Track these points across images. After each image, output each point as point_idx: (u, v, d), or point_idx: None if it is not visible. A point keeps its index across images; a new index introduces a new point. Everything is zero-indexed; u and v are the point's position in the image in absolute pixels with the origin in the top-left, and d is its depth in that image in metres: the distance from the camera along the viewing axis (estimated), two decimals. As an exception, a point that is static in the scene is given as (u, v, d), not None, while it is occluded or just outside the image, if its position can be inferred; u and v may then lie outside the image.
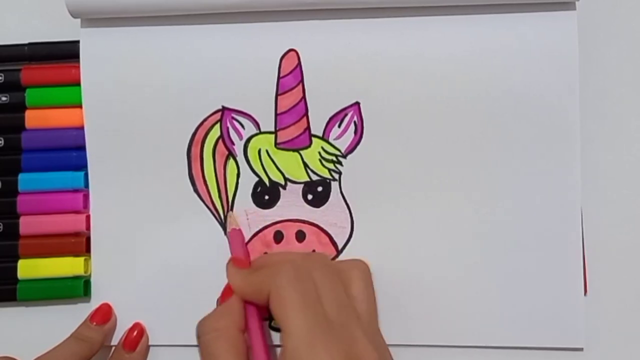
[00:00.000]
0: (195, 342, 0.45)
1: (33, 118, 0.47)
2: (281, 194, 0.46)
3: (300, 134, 0.46)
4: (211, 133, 0.46)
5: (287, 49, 0.46)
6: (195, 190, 0.46)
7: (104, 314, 0.46)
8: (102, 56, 0.46)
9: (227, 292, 0.42)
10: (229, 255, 0.45)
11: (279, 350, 0.41)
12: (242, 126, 0.46)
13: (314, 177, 0.46)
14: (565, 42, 0.45)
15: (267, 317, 0.43)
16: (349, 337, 0.38)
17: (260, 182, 0.46)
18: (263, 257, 0.46)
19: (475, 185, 0.45)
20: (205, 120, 0.46)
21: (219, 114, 0.46)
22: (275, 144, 0.46)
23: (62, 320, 0.46)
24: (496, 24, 0.45)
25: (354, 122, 0.46)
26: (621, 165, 0.47)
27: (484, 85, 0.45)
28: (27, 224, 0.47)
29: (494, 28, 0.45)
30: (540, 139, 0.45)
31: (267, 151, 0.46)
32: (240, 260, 0.44)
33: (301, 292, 0.38)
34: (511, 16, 0.45)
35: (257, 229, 0.46)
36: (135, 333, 0.46)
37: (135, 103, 0.46)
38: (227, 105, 0.46)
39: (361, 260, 0.44)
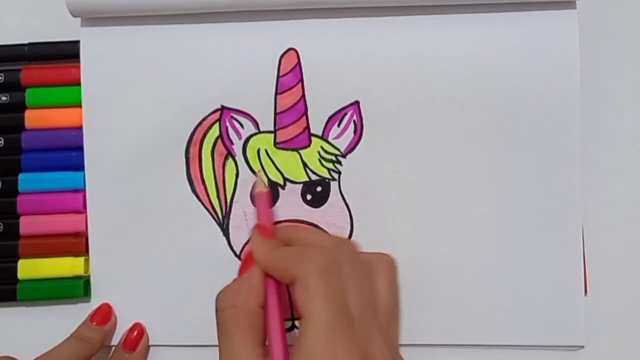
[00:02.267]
0: (195, 342, 0.46)
1: (33, 118, 0.47)
2: (280, 194, 0.46)
3: (300, 134, 0.46)
4: (210, 133, 0.46)
5: (286, 48, 0.46)
6: (194, 191, 0.46)
7: (104, 314, 0.46)
8: (101, 55, 0.46)
9: (248, 261, 0.41)
10: (228, 256, 0.45)
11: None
12: (242, 125, 0.46)
13: (313, 177, 0.46)
14: (565, 41, 0.45)
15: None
16: (367, 335, 0.38)
17: (261, 183, 0.46)
18: (289, 228, 0.45)
19: (475, 185, 0.45)
20: (204, 119, 0.46)
21: (218, 113, 0.46)
22: (275, 143, 0.46)
23: (62, 320, 0.46)
24: (496, 23, 0.45)
25: (354, 121, 0.46)
26: (621, 165, 0.47)
27: (483, 84, 0.45)
28: (27, 224, 0.47)
29: (494, 27, 0.45)
30: (541, 138, 0.45)
31: (266, 151, 0.46)
32: (266, 229, 0.43)
33: (329, 283, 0.37)
34: (511, 15, 0.45)
35: (257, 229, 0.46)
36: (135, 333, 0.46)
37: (135, 102, 0.46)
38: (226, 104, 0.46)
39: (388, 255, 0.43)
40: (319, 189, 0.46)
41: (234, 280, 0.41)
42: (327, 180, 0.46)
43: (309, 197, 0.46)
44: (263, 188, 0.44)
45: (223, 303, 0.40)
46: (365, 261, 0.41)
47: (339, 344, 0.36)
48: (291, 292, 0.38)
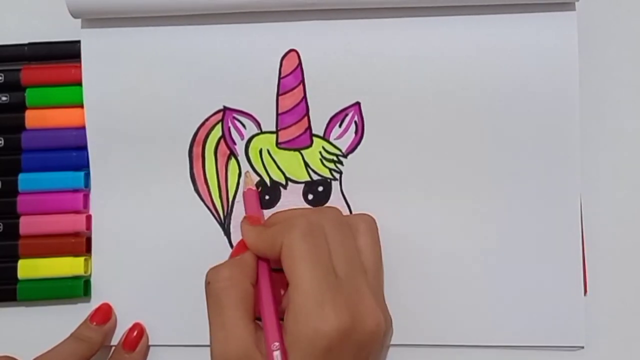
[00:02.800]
0: (195, 342, 0.46)
1: (33, 118, 0.47)
2: (282, 193, 0.46)
3: (301, 134, 0.46)
4: (213, 133, 0.46)
5: (287, 49, 0.46)
6: (196, 190, 0.46)
7: (104, 314, 0.46)
8: (103, 56, 0.46)
9: (240, 248, 0.42)
10: (229, 255, 0.45)
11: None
12: (244, 126, 0.46)
13: (315, 177, 0.46)
14: (565, 42, 0.45)
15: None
16: (356, 294, 0.39)
17: (261, 182, 0.46)
18: (275, 214, 0.46)
19: (475, 185, 0.45)
20: (206, 120, 0.46)
21: (221, 114, 0.46)
22: (277, 143, 0.46)
23: (62, 320, 0.46)
24: (496, 25, 0.45)
25: (355, 122, 0.46)
26: (621, 165, 0.47)
27: (483, 85, 0.45)
28: (27, 224, 0.46)
29: (493, 28, 0.45)
30: (540, 139, 0.45)
31: (268, 151, 0.46)
32: (254, 217, 0.44)
33: (312, 246, 0.39)
34: (511, 17, 0.45)
35: (257, 229, 0.46)
36: (135, 333, 0.46)
37: (137, 103, 0.46)
38: (228, 105, 0.46)
39: (368, 215, 0.44)
40: (320, 188, 0.46)
41: (227, 260, 0.43)
42: (328, 180, 0.46)
43: (310, 196, 0.46)
44: (251, 185, 0.46)
45: (216, 276, 0.40)
46: (348, 222, 0.42)
47: (327, 302, 0.37)
48: (281, 264, 0.39)
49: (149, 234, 0.46)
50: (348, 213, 0.46)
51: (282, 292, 0.43)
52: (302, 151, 0.46)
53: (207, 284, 0.41)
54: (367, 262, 0.42)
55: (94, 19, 0.46)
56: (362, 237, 0.42)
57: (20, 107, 0.47)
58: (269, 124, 0.46)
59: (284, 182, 0.46)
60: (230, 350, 0.38)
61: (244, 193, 0.46)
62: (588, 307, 0.45)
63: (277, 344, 0.38)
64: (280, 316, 0.40)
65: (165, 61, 0.46)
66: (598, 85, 0.47)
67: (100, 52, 0.46)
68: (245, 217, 0.44)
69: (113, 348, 0.46)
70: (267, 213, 0.46)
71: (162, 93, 0.46)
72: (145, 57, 0.46)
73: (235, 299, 0.39)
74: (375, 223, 0.44)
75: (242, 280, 0.40)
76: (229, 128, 0.46)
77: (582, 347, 0.45)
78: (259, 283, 0.41)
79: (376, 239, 0.43)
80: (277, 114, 0.46)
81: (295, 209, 0.46)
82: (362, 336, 0.38)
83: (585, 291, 0.45)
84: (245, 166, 0.46)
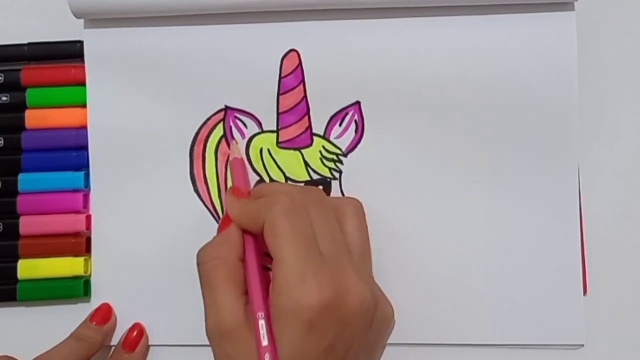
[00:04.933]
0: (195, 342, 0.46)
1: (33, 118, 0.47)
2: (282, 192, 0.46)
3: (302, 133, 0.46)
4: (214, 132, 0.46)
5: (288, 49, 0.46)
6: (196, 190, 0.46)
7: (104, 314, 0.46)
8: (106, 56, 0.47)
9: (226, 220, 0.43)
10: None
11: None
12: (245, 125, 0.46)
13: (315, 176, 0.46)
14: (564, 42, 0.45)
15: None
16: (339, 271, 0.39)
17: (261, 182, 0.46)
18: (261, 186, 0.46)
19: (474, 184, 0.45)
20: (208, 119, 0.46)
21: (222, 113, 0.46)
22: (277, 143, 0.46)
23: (62, 320, 0.46)
24: (495, 25, 0.45)
25: (355, 121, 0.46)
26: (621, 165, 0.47)
27: (483, 85, 0.45)
28: (27, 224, 0.46)
29: (492, 28, 0.45)
30: (539, 138, 0.45)
31: (268, 150, 0.46)
32: (239, 189, 0.44)
33: (295, 223, 0.39)
34: (510, 17, 0.45)
35: (258, 229, 0.46)
36: (135, 333, 0.46)
37: (139, 103, 0.47)
38: (230, 104, 0.46)
39: (355, 198, 0.45)
40: (320, 188, 0.46)
41: (214, 237, 0.43)
42: (328, 180, 0.46)
43: (310, 196, 0.46)
44: (237, 154, 0.46)
45: (205, 256, 0.41)
46: (333, 204, 0.43)
47: (310, 278, 0.37)
48: (265, 239, 0.39)
49: (148, 234, 0.46)
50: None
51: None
52: (302, 150, 0.46)
53: (197, 265, 0.42)
54: (353, 243, 0.42)
55: (97, 19, 0.46)
56: (349, 219, 0.43)
57: (20, 107, 0.47)
58: (270, 123, 0.46)
59: (284, 181, 0.46)
60: (220, 324, 0.39)
61: (230, 162, 0.46)
62: (588, 305, 0.45)
63: (261, 313, 0.39)
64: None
65: (167, 61, 0.46)
66: (597, 84, 0.47)
67: (103, 52, 0.47)
68: (230, 188, 0.44)
69: (113, 348, 0.46)
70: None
71: (165, 93, 0.46)
72: (148, 57, 0.46)
73: (223, 276, 0.40)
74: (362, 207, 0.44)
75: (228, 257, 0.41)
76: (231, 127, 0.46)
77: (582, 346, 0.45)
78: (245, 256, 0.41)
79: (363, 222, 0.43)
80: (278, 114, 0.46)
81: (279, 183, 0.46)
82: (345, 312, 0.38)
83: (585, 291, 0.45)
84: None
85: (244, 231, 0.42)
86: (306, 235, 0.39)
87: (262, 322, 0.38)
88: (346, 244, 0.41)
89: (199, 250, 0.42)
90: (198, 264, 0.42)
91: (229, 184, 0.46)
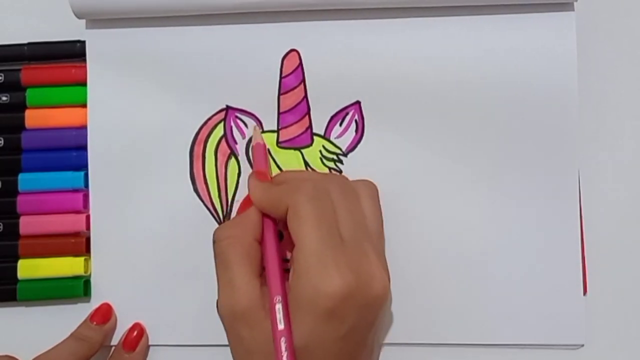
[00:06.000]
0: (195, 342, 0.46)
1: (33, 118, 0.47)
2: (282, 192, 0.46)
3: (302, 133, 0.46)
4: (214, 132, 0.46)
5: (288, 49, 0.46)
6: (195, 190, 0.46)
7: (104, 314, 0.46)
8: (107, 56, 0.47)
9: (246, 203, 0.43)
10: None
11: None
12: (246, 125, 0.46)
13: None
14: (563, 42, 0.45)
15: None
16: (362, 256, 0.39)
17: (261, 181, 0.46)
18: (284, 173, 0.46)
19: (474, 184, 0.45)
20: (209, 119, 0.46)
21: (223, 113, 0.46)
22: (277, 142, 0.46)
23: (62, 320, 0.46)
24: (495, 25, 0.45)
25: (355, 121, 0.46)
26: (621, 165, 0.47)
27: (483, 85, 0.45)
28: (27, 224, 0.46)
29: (492, 29, 0.45)
30: (539, 138, 0.45)
31: (268, 150, 0.46)
32: (262, 173, 0.44)
33: (318, 209, 0.39)
34: (510, 17, 0.45)
35: (257, 229, 0.46)
36: (135, 333, 0.46)
37: (140, 103, 0.47)
38: (230, 104, 0.46)
39: (370, 180, 0.45)
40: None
41: (232, 218, 0.43)
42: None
43: (310, 196, 0.46)
44: (259, 140, 0.46)
45: (221, 234, 0.41)
46: (353, 188, 0.43)
47: (330, 263, 0.37)
48: (287, 224, 0.39)
49: (149, 234, 0.46)
50: None
51: (289, 253, 0.43)
52: (302, 150, 0.46)
53: (213, 242, 0.41)
54: (371, 225, 0.42)
55: (99, 20, 0.46)
56: (366, 201, 0.43)
57: (20, 107, 0.47)
58: (270, 123, 0.46)
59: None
60: (234, 304, 0.39)
61: (252, 147, 0.46)
62: (588, 305, 0.45)
63: (278, 297, 0.38)
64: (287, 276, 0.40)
65: (168, 61, 0.46)
66: (597, 85, 0.47)
67: (104, 52, 0.47)
68: (253, 172, 0.44)
69: (113, 348, 0.46)
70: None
71: (166, 93, 0.46)
72: (149, 57, 0.46)
73: (239, 255, 0.40)
74: (377, 188, 0.44)
75: (245, 237, 0.41)
76: (231, 127, 0.46)
77: (582, 346, 0.45)
78: (264, 239, 0.41)
79: (377, 204, 0.44)
80: (278, 113, 0.46)
81: (302, 170, 0.46)
82: (367, 299, 0.38)
83: (585, 291, 0.45)
84: (245, 166, 0.46)
85: (264, 215, 0.42)
86: (329, 220, 0.39)
87: (279, 306, 0.38)
88: (367, 227, 0.41)
89: (216, 229, 0.42)
90: (214, 242, 0.41)
91: (229, 184, 0.46)
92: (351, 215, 0.40)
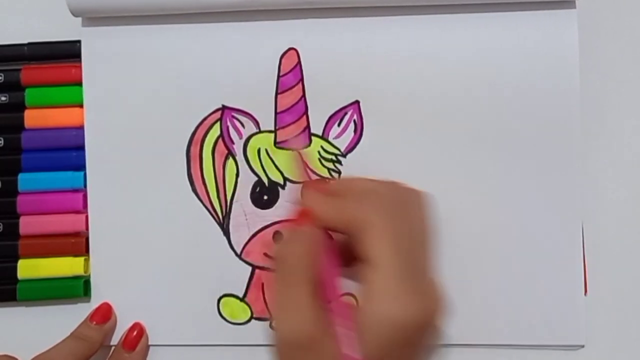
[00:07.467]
0: (195, 342, 0.46)
1: (33, 118, 0.47)
2: (280, 194, 0.46)
3: (300, 133, 0.46)
4: (211, 132, 0.46)
5: (286, 47, 0.46)
6: (194, 190, 0.46)
7: (104, 314, 0.46)
8: (103, 55, 0.47)
9: (303, 216, 0.39)
10: (229, 255, 0.45)
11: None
12: (242, 125, 0.46)
13: (313, 177, 0.46)
14: (565, 41, 0.45)
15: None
16: (430, 279, 0.37)
17: (259, 182, 0.46)
18: (344, 181, 0.44)
19: (475, 185, 0.45)
20: (205, 119, 0.46)
21: (219, 112, 0.46)
22: (275, 143, 0.46)
23: (62, 320, 0.46)
24: (496, 23, 0.45)
25: (354, 120, 0.46)
26: (621, 166, 0.47)
27: (483, 84, 0.45)
28: (27, 224, 0.47)
29: (494, 27, 0.45)
30: (540, 138, 0.45)
31: (266, 150, 0.46)
32: (319, 183, 0.42)
33: (395, 226, 0.36)
34: (511, 15, 0.45)
35: (256, 230, 0.46)
36: (135, 333, 0.46)
37: (136, 102, 0.47)
38: (227, 104, 0.46)
39: (421, 190, 0.41)
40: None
41: (289, 233, 0.40)
42: (327, 180, 0.46)
43: (309, 196, 0.46)
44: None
45: (285, 252, 0.37)
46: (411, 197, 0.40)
47: (409, 288, 0.35)
48: (356, 241, 0.37)
49: (148, 234, 0.46)
50: None
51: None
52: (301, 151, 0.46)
53: (276, 259, 0.38)
54: (428, 236, 0.40)
55: (95, 18, 0.46)
56: (422, 211, 0.40)
57: (19, 107, 0.47)
58: (268, 123, 0.46)
59: (282, 182, 0.46)
60: (295, 329, 0.35)
61: (296, 155, 0.45)
62: (588, 306, 0.45)
63: (347, 322, 0.35)
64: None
65: (164, 60, 0.46)
66: (599, 83, 0.47)
67: (100, 51, 0.47)
68: (308, 182, 0.43)
69: (113, 348, 0.46)
70: (265, 214, 0.46)
71: (161, 92, 0.46)
72: (145, 56, 0.46)
73: (305, 276, 0.36)
74: (427, 197, 0.41)
75: (310, 256, 0.37)
76: (228, 127, 0.46)
77: (583, 346, 0.45)
78: (326, 260, 0.38)
79: (429, 214, 0.40)
80: (276, 113, 0.46)
81: (366, 179, 0.42)
82: (435, 324, 0.37)
83: (585, 291, 0.45)
84: (243, 166, 0.46)
85: (322, 229, 0.38)
86: (404, 239, 0.37)
87: (348, 332, 0.35)
88: (429, 243, 0.39)
89: (278, 245, 0.39)
90: (276, 259, 0.38)
91: (228, 184, 0.46)
92: (418, 229, 0.39)
